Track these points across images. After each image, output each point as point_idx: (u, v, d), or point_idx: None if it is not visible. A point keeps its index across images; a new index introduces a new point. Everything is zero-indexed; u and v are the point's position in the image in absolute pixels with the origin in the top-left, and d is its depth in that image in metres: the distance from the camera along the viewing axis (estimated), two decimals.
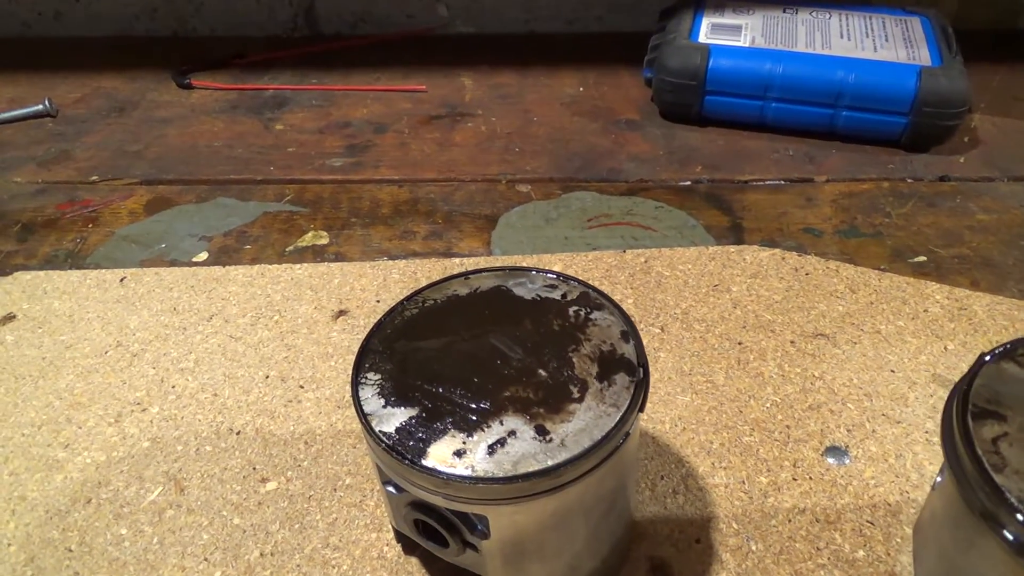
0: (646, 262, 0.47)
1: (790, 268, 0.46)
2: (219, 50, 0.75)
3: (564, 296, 0.30)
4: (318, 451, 0.37)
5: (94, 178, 0.58)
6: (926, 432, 0.36)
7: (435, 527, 0.27)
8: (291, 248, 0.50)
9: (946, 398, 0.27)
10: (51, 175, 0.58)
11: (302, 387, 0.40)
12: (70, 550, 0.33)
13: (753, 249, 0.48)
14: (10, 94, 0.69)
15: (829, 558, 0.31)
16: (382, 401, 0.27)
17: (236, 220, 0.53)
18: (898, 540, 0.32)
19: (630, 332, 0.28)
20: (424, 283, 0.38)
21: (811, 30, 0.60)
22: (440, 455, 0.25)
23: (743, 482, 0.35)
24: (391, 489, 0.27)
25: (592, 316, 0.29)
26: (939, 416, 0.36)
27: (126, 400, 0.40)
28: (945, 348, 0.40)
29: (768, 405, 0.38)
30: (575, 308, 0.29)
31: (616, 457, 0.26)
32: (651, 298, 0.44)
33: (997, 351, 0.27)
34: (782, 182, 0.55)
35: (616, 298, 0.44)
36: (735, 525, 0.33)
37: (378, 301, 0.45)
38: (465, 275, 0.31)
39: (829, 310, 0.43)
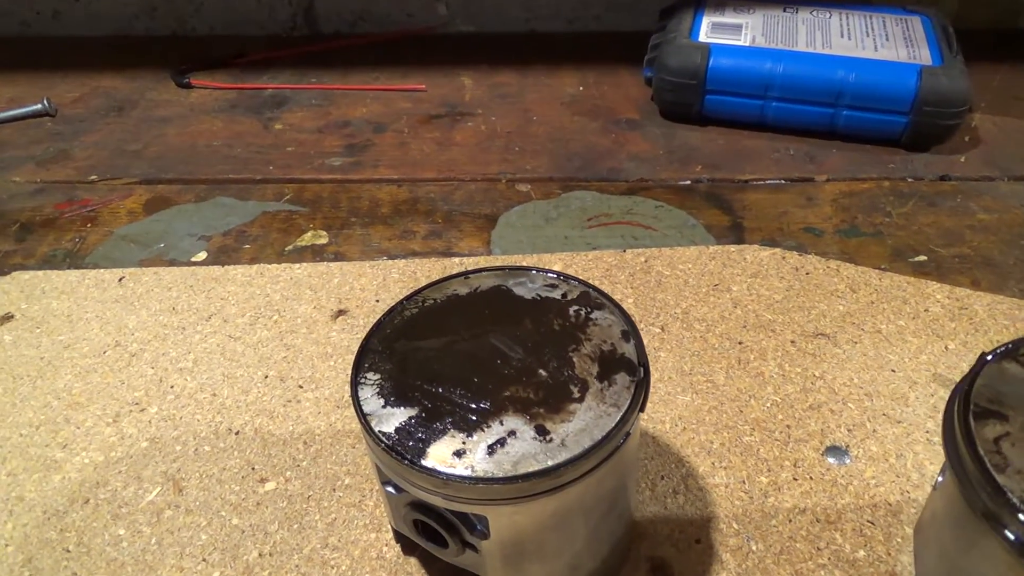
0: (646, 262, 0.47)
1: (790, 268, 0.46)
2: (218, 49, 0.75)
3: (564, 296, 0.30)
4: (317, 451, 0.37)
5: (93, 177, 0.58)
6: (927, 432, 0.36)
7: (434, 527, 0.27)
8: (290, 248, 0.50)
9: (947, 398, 0.27)
10: (50, 174, 0.58)
11: (301, 387, 0.40)
12: (68, 550, 0.33)
13: (753, 249, 0.48)
14: (9, 93, 0.69)
15: (829, 558, 0.31)
16: (381, 401, 0.26)
17: (235, 220, 0.53)
18: (899, 540, 0.32)
19: (630, 332, 0.28)
20: (424, 283, 0.38)
21: (811, 29, 0.60)
22: (440, 455, 0.25)
23: (743, 482, 0.34)
24: (390, 489, 0.27)
25: (592, 316, 0.29)
26: (940, 416, 0.36)
27: (124, 400, 0.40)
28: (946, 348, 0.40)
29: (768, 405, 0.38)
30: (575, 308, 0.29)
31: (616, 457, 0.26)
32: (651, 298, 0.44)
33: (999, 350, 0.27)
34: (782, 181, 0.55)
35: (616, 297, 0.44)
36: (735, 525, 0.33)
37: (377, 301, 0.45)
38: (465, 274, 0.31)
39: (830, 310, 0.43)
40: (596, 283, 0.44)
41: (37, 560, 0.33)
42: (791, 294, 0.44)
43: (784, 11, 0.62)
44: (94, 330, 0.44)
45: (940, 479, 0.28)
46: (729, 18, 0.61)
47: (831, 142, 0.58)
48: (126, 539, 0.33)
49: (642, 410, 0.26)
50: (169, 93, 0.69)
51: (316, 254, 0.49)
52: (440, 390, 0.26)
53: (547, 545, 0.27)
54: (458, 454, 0.25)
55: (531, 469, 0.24)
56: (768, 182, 0.55)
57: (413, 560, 0.32)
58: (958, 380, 0.27)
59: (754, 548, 0.32)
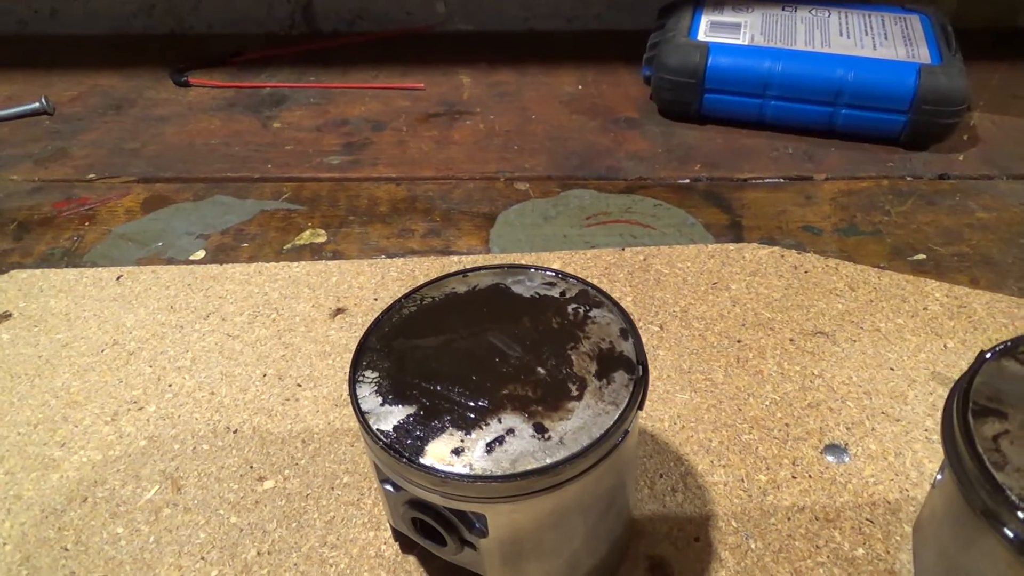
0: (645, 260, 0.47)
1: (789, 266, 0.46)
2: (216, 48, 0.75)
3: (563, 294, 0.30)
4: (315, 449, 0.37)
5: (91, 176, 0.58)
6: (925, 430, 0.36)
7: (433, 525, 0.27)
8: (288, 246, 0.50)
9: (946, 396, 0.27)
10: (47, 173, 0.58)
11: (299, 385, 0.40)
12: (66, 549, 0.33)
13: (752, 247, 0.48)
14: (6, 92, 0.69)
15: (828, 556, 0.31)
16: (380, 399, 0.26)
17: (233, 218, 0.53)
18: (897, 538, 0.32)
19: (629, 330, 0.28)
20: (422, 281, 0.38)
21: (810, 28, 0.60)
22: (438, 453, 0.25)
23: (742, 480, 0.34)
24: (389, 487, 0.27)
25: (591, 314, 0.29)
26: (939, 414, 0.36)
27: (123, 399, 0.40)
28: (945, 346, 0.40)
29: (767, 403, 0.38)
30: (574, 306, 0.29)
31: (615, 455, 0.26)
32: (650, 296, 0.44)
33: (998, 348, 0.27)
34: (781, 180, 0.55)
35: (615, 296, 0.44)
36: (734, 523, 0.33)
37: (376, 299, 0.45)
38: (463, 273, 0.31)
39: (828, 308, 0.43)
40: (595, 281, 0.44)
41: (35, 559, 0.33)
42: (790, 292, 0.44)
43: (783, 10, 0.62)
44: (92, 329, 0.44)
45: (939, 477, 0.28)
46: (728, 17, 0.61)
47: (830, 141, 0.58)
48: (124, 538, 0.33)
49: (641, 408, 0.26)
50: (167, 91, 0.69)
51: (314, 252, 0.49)
52: (438, 388, 0.26)
53: (546, 543, 0.27)
54: (456, 452, 0.24)
55: (529, 467, 0.24)
56: (767, 181, 0.55)
57: (412, 558, 0.32)
58: (957, 378, 0.27)
59: (753, 546, 0.32)
